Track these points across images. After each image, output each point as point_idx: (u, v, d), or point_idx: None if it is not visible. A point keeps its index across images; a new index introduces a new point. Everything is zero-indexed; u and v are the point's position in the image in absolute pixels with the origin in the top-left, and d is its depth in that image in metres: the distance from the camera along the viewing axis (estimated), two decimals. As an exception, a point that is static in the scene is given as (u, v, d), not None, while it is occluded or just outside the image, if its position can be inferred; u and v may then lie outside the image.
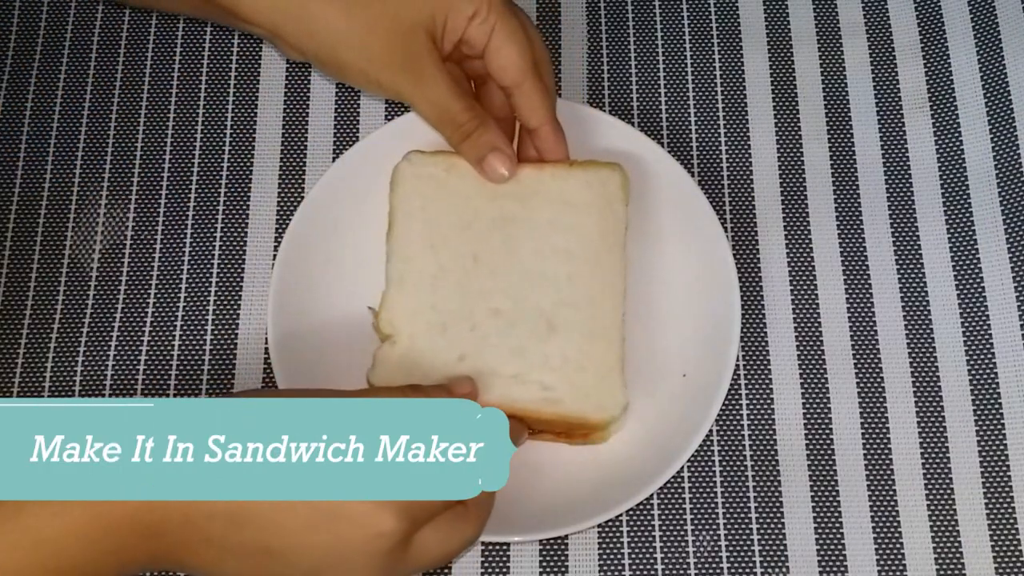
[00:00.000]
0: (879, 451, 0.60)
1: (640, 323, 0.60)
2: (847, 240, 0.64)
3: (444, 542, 0.49)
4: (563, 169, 0.60)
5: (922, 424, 0.60)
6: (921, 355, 0.61)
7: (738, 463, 0.59)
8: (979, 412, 0.60)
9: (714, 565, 0.58)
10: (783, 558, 0.58)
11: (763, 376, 0.61)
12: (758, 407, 0.61)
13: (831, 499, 0.59)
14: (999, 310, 0.62)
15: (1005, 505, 0.59)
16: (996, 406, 0.60)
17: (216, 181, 0.65)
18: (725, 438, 0.60)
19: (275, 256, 0.61)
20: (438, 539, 0.49)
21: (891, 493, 0.59)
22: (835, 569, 0.58)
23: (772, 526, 0.58)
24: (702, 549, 0.58)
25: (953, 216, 0.64)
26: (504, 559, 0.58)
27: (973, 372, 0.61)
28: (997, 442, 0.60)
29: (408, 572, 0.49)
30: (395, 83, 0.57)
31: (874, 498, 0.59)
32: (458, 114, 0.58)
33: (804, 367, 0.61)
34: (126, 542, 0.45)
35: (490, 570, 0.58)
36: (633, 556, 0.58)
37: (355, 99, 0.67)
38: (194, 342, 0.62)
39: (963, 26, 0.68)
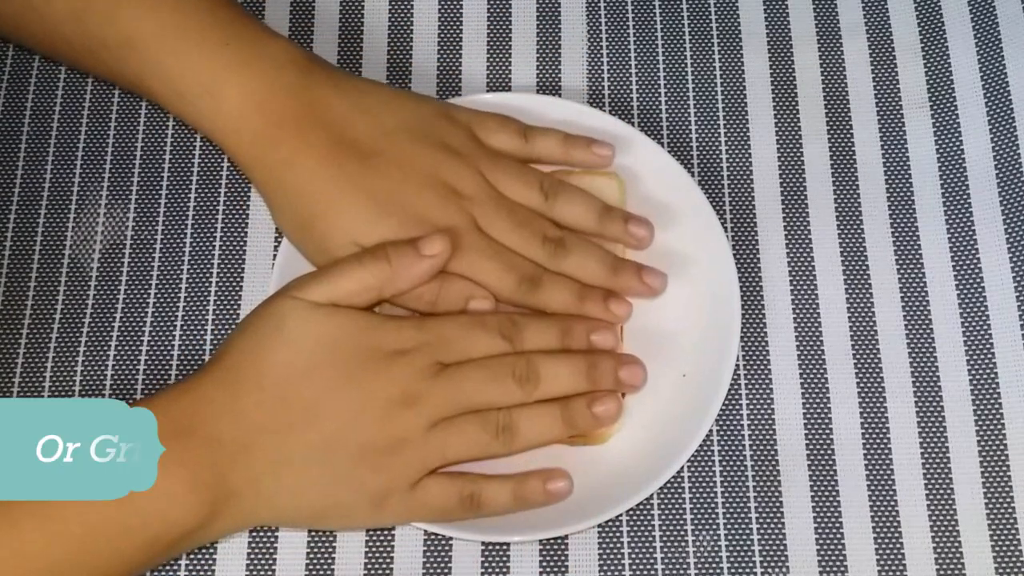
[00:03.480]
0: (879, 451, 0.60)
1: (640, 323, 0.60)
2: (847, 240, 0.64)
3: None
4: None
5: (922, 424, 0.60)
6: (921, 355, 0.61)
7: (738, 463, 0.59)
8: (979, 412, 0.60)
9: (714, 565, 0.58)
10: (783, 558, 0.58)
11: (763, 376, 0.61)
12: (758, 407, 0.60)
13: (831, 499, 0.59)
14: (999, 310, 0.62)
15: (1005, 505, 0.59)
16: (996, 406, 0.60)
17: (216, 181, 0.65)
18: (725, 438, 0.60)
19: (275, 256, 0.61)
20: None
21: (891, 493, 0.59)
22: (835, 569, 0.58)
23: (772, 526, 0.58)
24: (702, 549, 0.58)
25: (953, 216, 0.64)
26: (504, 559, 0.58)
27: (973, 372, 0.61)
28: (997, 442, 0.60)
29: None
30: None
31: (874, 498, 0.59)
32: None
33: (804, 367, 0.61)
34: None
35: (490, 570, 0.58)
36: (633, 556, 0.58)
37: (355, 99, 0.67)
38: (194, 342, 0.62)
39: (963, 26, 0.68)
